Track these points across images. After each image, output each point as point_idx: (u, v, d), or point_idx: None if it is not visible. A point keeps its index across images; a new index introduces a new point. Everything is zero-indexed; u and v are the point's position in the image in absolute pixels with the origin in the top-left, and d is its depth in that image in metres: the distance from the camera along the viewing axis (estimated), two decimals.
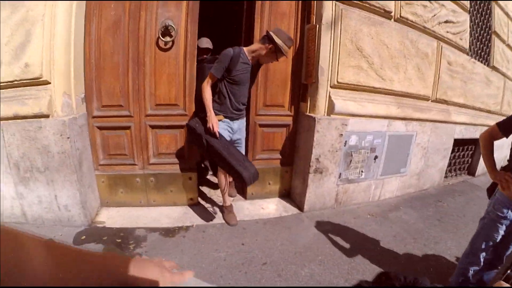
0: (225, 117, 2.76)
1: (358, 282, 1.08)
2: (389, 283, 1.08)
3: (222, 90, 2.71)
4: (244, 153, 3.03)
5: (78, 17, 2.53)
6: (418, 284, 1.05)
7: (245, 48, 2.70)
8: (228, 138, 2.79)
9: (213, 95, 2.71)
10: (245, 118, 2.98)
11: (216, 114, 2.68)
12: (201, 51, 3.45)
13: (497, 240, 1.98)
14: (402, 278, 1.09)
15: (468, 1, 4.40)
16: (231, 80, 2.66)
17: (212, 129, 2.60)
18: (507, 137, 1.99)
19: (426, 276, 1.17)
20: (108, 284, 0.47)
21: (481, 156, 2.19)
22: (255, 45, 2.69)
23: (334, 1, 2.98)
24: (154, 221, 2.89)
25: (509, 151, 2.01)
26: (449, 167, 4.97)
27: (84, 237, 2.58)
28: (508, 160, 2.00)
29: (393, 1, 3.38)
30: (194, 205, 3.19)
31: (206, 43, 3.67)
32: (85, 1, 2.60)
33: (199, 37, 3.11)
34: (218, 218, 3.01)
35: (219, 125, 2.67)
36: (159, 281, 0.55)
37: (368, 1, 3.15)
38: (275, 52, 2.59)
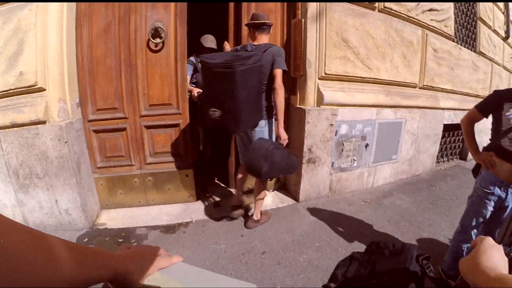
0: None
1: (350, 254, 1.14)
2: (379, 251, 1.14)
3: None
4: None
5: (69, 24, 2.58)
6: (406, 250, 1.12)
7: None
8: None
9: (265, 99, 2.57)
10: None
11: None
12: (204, 50, 3.34)
13: (487, 216, 2.04)
14: (391, 245, 1.16)
15: None
16: None
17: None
18: (486, 117, 2.07)
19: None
20: (97, 277, 0.47)
21: (464, 140, 2.26)
22: (266, 38, 2.62)
23: None
24: (154, 219, 2.94)
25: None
26: (441, 152, 5.06)
27: (87, 239, 2.63)
28: (490, 140, 2.07)
29: None
30: (193, 202, 3.25)
31: (211, 42, 3.43)
32: (75, 8, 2.65)
33: (192, 36, 3.13)
34: (217, 213, 3.08)
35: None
36: (148, 267, 0.55)
37: None
38: None
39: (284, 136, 2.58)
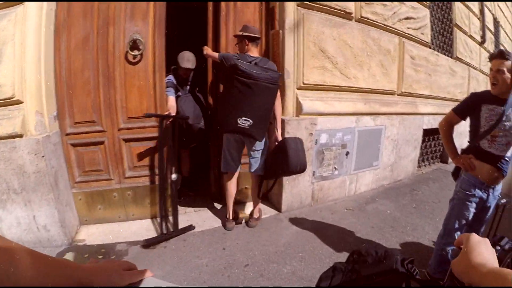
0: None
1: (332, 265, 1.12)
2: (362, 259, 1.12)
3: None
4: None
5: (47, 35, 2.54)
6: (390, 256, 1.11)
7: None
8: None
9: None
10: None
11: None
12: (181, 69, 3.28)
13: (470, 218, 2.06)
14: (374, 252, 1.14)
15: None
16: None
17: None
18: (464, 119, 2.10)
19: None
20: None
21: (443, 144, 2.28)
22: (257, 50, 2.81)
23: (295, 6, 3.09)
24: (134, 234, 2.87)
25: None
26: (422, 156, 5.14)
27: (66, 256, 2.55)
28: (468, 142, 2.10)
29: (353, 2, 3.52)
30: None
31: (187, 61, 3.23)
32: (54, 19, 2.61)
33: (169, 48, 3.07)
34: (198, 226, 3.03)
35: None
36: (116, 282, 0.55)
37: (328, 4, 3.28)
38: None
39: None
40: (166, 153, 2.90)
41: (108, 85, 2.85)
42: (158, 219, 2.96)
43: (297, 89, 3.21)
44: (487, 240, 0.58)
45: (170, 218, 2.95)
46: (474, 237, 0.58)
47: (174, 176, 2.84)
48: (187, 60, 3.26)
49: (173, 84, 3.20)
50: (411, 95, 4.44)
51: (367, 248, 1.14)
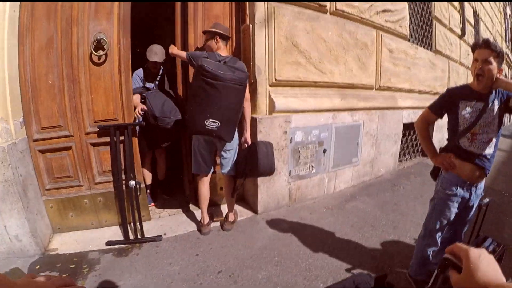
0: None
1: None
2: None
3: None
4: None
5: (10, 40, 2.41)
6: (361, 284, 1.03)
7: None
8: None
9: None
10: None
11: None
12: (150, 63, 3.25)
13: (451, 218, 1.98)
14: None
15: None
16: None
17: None
18: (441, 117, 2.01)
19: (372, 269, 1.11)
20: None
21: (421, 144, 2.20)
22: (226, 49, 2.77)
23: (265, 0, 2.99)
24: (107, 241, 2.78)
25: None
26: (402, 151, 5.13)
27: (39, 266, 2.44)
28: (447, 140, 2.01)
29: None
30: (147, 221, 3.09)
31: (154, 55, 3.19)
32: (17, 22, 2.49)
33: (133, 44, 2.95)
34: (171, 232, 2.93)
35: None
36: None
37: None
38: None
39: (250, 142, 2.81)
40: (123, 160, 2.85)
41: (73, 88, 2.72)
42: (122, 226, 2.88)
43: (270, 86, 3.11)
44: (484, 252, 0.55)
45: (134, 225, 2.87)
46: (473, 252, 0.54)
47: (132, 182, 2.76)
48: (155, 53, 3.21)
49: (139, 89, 3.19)
50: (389, 89, 4.39)
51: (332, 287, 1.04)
